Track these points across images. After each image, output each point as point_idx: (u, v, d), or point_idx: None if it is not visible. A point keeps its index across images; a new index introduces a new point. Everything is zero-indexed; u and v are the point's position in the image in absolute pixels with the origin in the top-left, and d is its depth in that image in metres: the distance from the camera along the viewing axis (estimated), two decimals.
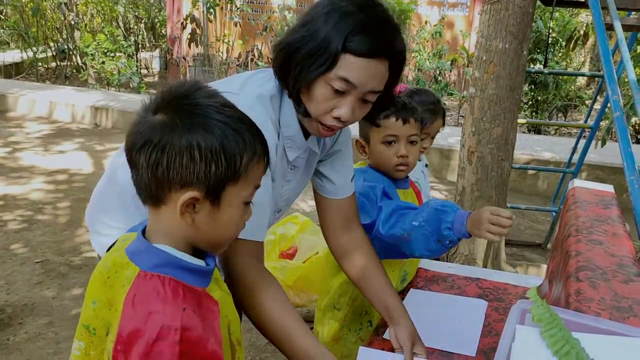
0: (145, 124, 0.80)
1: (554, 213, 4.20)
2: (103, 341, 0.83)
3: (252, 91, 1.19)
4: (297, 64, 1.11)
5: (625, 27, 2.50)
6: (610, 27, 2.19)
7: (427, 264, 2.02)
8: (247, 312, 1.16)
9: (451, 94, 8.81)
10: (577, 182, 1.78)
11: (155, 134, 0.78)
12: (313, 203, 1.53)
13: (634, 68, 7.56)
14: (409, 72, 9.07)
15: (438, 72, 8.63)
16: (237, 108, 0.86)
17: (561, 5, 3.16)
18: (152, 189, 0.81)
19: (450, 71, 8.85)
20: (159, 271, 0.81)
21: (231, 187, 0.82)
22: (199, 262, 0.87)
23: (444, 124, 2.15)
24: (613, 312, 0.91)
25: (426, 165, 2.25)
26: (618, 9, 2.43)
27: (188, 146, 0.77)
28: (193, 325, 0.79)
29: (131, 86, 9.36)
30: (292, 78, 1.14)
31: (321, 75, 1.10)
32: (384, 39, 1.09)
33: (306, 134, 1.28)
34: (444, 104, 8.45)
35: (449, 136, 6.44)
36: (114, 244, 1.29)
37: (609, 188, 1.71)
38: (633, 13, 3.30)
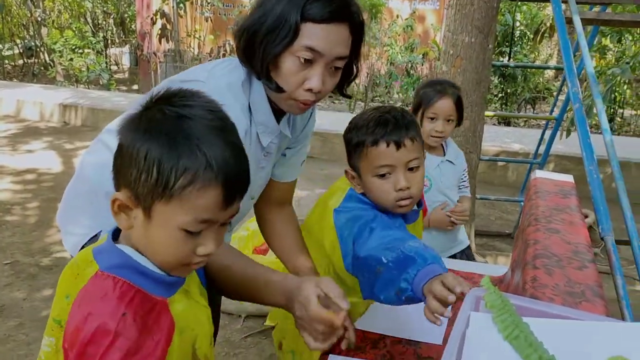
0: (127, 115, 0.82)
1: (521, 203, 4.30)
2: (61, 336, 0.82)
3: (220, 80, 1.20)
4: (261, 42, 1.13)
5: (585, 21, 2.57)
6: (570, 21, 2.25)
7: None
8: (218, 285, 1.14)
9: None
10: (539, 173, 1.83)
11: (122, 127, 0.80)
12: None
13: (600, 60, 7.75)
14: (381, 66, 9.12)
15: (410, 65, 8.70)
16: (228, 129, 0.81)
17: (524, 0, 3.22)
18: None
19: (422, 65, 8.92)
20: (115, 272, 0.80)
21: (161, 206, 0.76)
22: (161, 271, 0.84)
23: (461, 118, 2.17)
24: (566, 298, 0.95)
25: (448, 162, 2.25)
26: (579, 2, 2.49)
27: (131, 148, 0.77)
28: (128, 334, 0.75)
29: (101, 83, 9.21)
30: (258, 59, 1.15)
31: (286, 48, 1.12)
32: (340, 3, 1.13)
33: (277, 119, 1.30)
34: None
35: None
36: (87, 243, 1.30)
37: (569, 178, 1.77)
38: (594, 7, 3.39)
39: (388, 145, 1.26)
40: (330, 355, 1.30)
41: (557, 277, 1.04)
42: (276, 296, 1.11)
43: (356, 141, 1.32)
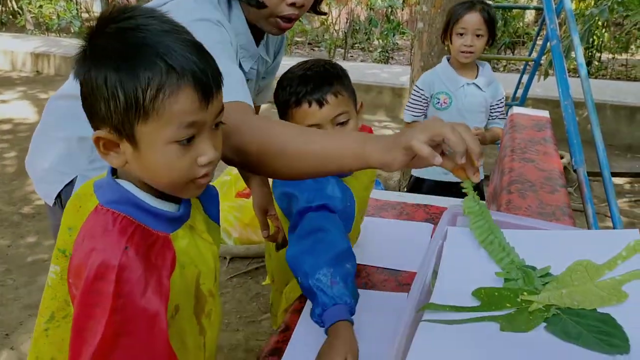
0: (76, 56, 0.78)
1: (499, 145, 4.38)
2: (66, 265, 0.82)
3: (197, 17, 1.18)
4: None
5: None
6: None
7: (377, 194, 2.11)
8: (260, 162, 0.97)
9: (403, 33, 8.79)
10: (516, 109, 1.87)
11: (75, 65, 0.77)
12: None
13: (579, 2, 7.72)
14: (361, 12, 8.96)
15: (390, 10, 8.57)
16: (179, 29, 0.77)
17: None
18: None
19: (402, 9, 8.80)
20: (115, 207, 0.78)
21: (142, 127, 0.73)
22: (163, 206, 0.82)
23: (492, 34, 2.17)
24: (538, 217, 1.01)
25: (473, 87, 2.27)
26: None
27: (90, 81, 0.74)
28: (132, 267, 0.74)
29: (72, 31, 8.92)
30: None
31: None
32: None
33: (256, 42, 1.30)
34: (395, 43, 8.46)
35: (400, 75, 6.49)
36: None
37: (544, 113, 1.81)
38: None
39: (310, 105, 1.24)
40: None
41: (530, 200, 1.09)
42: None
43: (282, 100, 1.30)
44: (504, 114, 2.37)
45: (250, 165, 0.97)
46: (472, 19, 2.14)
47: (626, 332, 0.68)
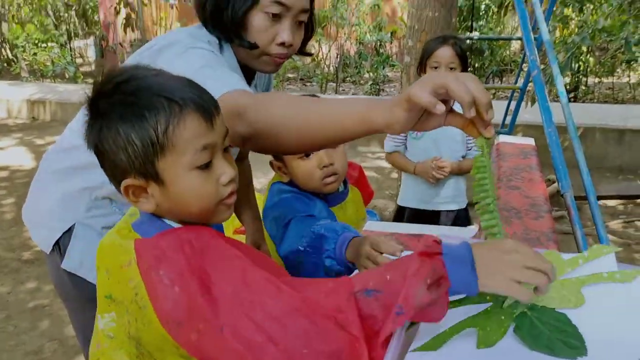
0: (84, 126, 0.84)
1: None
2: (122, 305, 0.83)
3: (188, 31, 1.24)
4: (228, 2, 1.19)
5: None
6: None
7: (373, 225, 2.14)
8: (270, 139, 0.97)
9: (393, 66, 8.97)
10: (502, 137, 1.93)
11: (87, 137, 0.83)
12: (264, 180, 1.61)
13: (563, 30, 7.92)
14: (350, 47, 9.16)
15: (379, 44, 8.77)
16: (145, 75, 0.82)
17: None
18: (116, 187, 0.85)
19: (391, 43, 9.00)
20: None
21: (163, 163, 0.79)
22: None
23: (465, 68, 2.25)
24: (522, 242, 1.04)
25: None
26: None
27: (104, 141, 0.80)
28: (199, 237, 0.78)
29: (67, 76, 9.06)
30: (227, 19, 1.20)
31: (255, 4, 1.18)
32: None
33: (248, 83, 1.34)
34: (386, 75, 8.62)
35: None
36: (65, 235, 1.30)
37: (530, 141, 1.87)
38: None
39: None
40: None
41: (516, 226, 1.13)
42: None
43: None
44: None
45: (261, 144, 0.98)
46: (445, 53, 2.23)
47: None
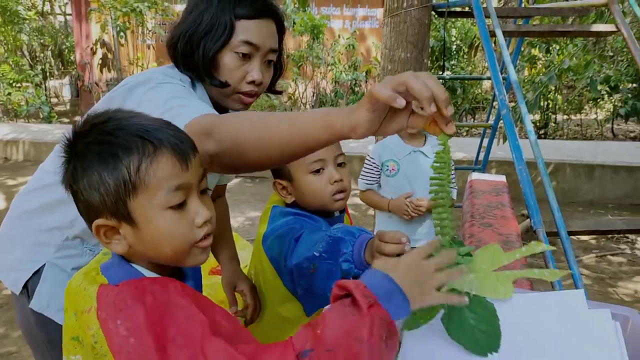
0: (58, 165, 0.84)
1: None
2: (89, 348, 0.81)
3: (161, 70, 1.26)
4: (198, 43, 1.22)
5: (507, 33, 2.76)
6: (494, 34, 2.43)
7: None
8: (237, 155, 0.97)
9: None
10: (475, 175, 1.96)
11: (63, 178, 0.83)
12: (241, 218, 1.60)
13: (531, 69, 8.19)
14: (327, 85, 9.31)
15: (354, 83, 8.93)
16: (123, 117, 0.83)
17: (452, 16, 3.43)
18: (90, 228, 0.84)
19: (366, 82, 9.18)
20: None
21: (135, 202, 0.78)
22: None
23: None
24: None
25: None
26: (501, 16, 2.68)
27: (79, 182, 0.80)
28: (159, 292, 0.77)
29: (41, 116, 8.99)
30: (199, 58, 1.23)
31: (225, 44, 1.22)
32: (264, 2, 1.26)
33: None
34: None
35: (368, 144, 6.68)
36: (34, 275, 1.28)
37: (501, 178, 1.90)
38: (518, 20, 3.64)
39: None
40: None
41: None
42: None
43: None
44: (454, 182, 2.47)
45: (228, 161, 0.98)
46: None
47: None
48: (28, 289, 1.29)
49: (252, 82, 1.26)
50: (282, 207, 1.44)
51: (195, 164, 0.82)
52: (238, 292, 1.61)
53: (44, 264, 1.28)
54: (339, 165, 1.36)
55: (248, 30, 1.23)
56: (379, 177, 2.47)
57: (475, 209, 1.53)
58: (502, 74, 3.37)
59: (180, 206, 0.80)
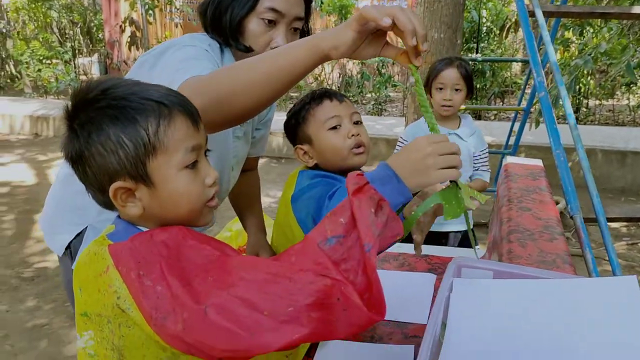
0: (62, 139, 0.85)
1: (495, 193, 4.42)
2: (100, 318, 0.82)
3: (188, 38, 1.29)
4: (226, 9, 1.26)
5: (546, 14, 2.68)
6: (533, 14, 2.36)
7: None
8: (226, 104, 0.99)
9: (395, 86, 9.01)
10: (510, 159, 1.92)
11: (68, 148, 0.83)
12: (267, 198, 1.61)
13: (564, 52, 7.98)
14: (353, 67, 9.21)
15: (381, 64, 8.82)
16: (127, 84, 0.84)
17: None
18: (97, 195, 0.85)
19: (393, 64, 9.05)
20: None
21: (153, 162, 0.80)
22: None
23: (470, 89, 2.32)
24: (539, 266, 1.03)
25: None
26: None
27: (93, 146, 0.80)
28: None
29: (70, 93, 9.10)
30: (225, 23, 1.27)
31: (251, 10, 1.25)
32: None
33: None
34: (388, 95, 8.66)
35: (394, 126, 6.62)
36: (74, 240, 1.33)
37: (538, 162, 1.86)
38: (555, 1, 3.53)
39: (331, 100, 1.37)
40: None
41: (530, 248, 1.11)
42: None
43: (300, 115, 1.40)
44: (487, 165, 2.42)
45: (216, 117, 0.98)
46: (450, 75, 2.26)
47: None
48: (71, 250, 1.35)
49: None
50: (308, 170, 1.46)
51: (202, 126, 0.87)
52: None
53: (86, 227, 1.32)
54: (355, 123, 1.39)
55: None
56: None
57: (512, 193, 1.49)
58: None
59: (194, 166, 0.83)
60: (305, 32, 1.39)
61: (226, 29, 1.28)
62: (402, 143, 2.45)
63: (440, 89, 2.28)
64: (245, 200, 1.78)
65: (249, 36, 1.28)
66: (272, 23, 1.27)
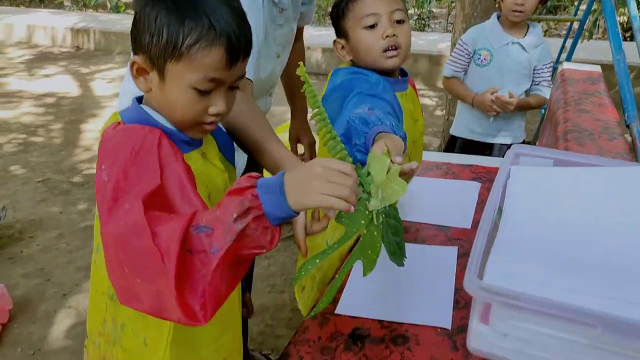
0: None
1: (542, 110, 4.28)
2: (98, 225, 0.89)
3: None
4: None
5: None
6: None
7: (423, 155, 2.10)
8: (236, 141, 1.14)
9: (439, 0, 8.60)
10: (566, 64, 1.83)
11: (136, 1, 0.87)
12: None
13: None
14: None
15: None
16: None
17: None
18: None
19: None
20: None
21: (173, 65, 0.83)
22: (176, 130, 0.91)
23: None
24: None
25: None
26: None
27: (143, 15, 0.83)
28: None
29: (109, 6, 9.03)
30: None
31: None
32: None
33: None
34: (431, 11, 8.28)
35: (437, 42, 6.37)
36: None
37: (596, 68, 1.76)
38: None
39: None
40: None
41: (589, 147, 1.07)
42: (269, 166, 1.13)
43: (340, 7, 1.33)
44: (549, 80, 2.29)
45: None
46: None
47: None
48: None
49: None
50: (342, 67, 1.40)
51: (240, 66, 0.87)
52: (302, 146, 1.80)
53: None
54: (397, 22, 1.28)
55: None
56: (468, 65, 2.33)
57: (569, 96, 1.43)
58: None
59: (204, 93, 0.85)
60: None
61: None
62: (461, 46, 2.35)
63: None
64: (291, 82, 1.84)
65: None
66: None
